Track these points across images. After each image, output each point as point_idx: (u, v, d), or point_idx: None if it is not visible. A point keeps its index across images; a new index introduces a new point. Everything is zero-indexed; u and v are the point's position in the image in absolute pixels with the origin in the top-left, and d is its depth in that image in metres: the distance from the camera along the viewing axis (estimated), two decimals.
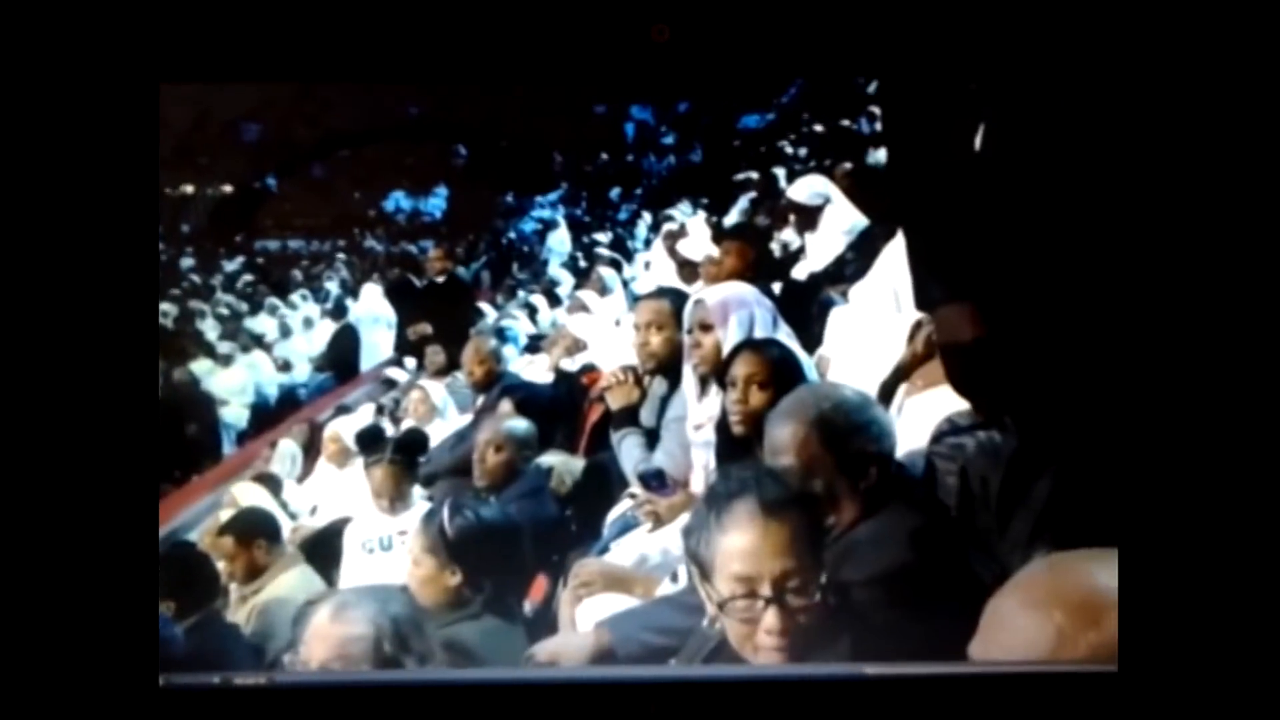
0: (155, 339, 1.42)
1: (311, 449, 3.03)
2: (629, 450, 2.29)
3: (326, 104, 3.83)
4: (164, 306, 3.59)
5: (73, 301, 1.38)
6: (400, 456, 2.48)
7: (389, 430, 2.88)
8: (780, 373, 1.90)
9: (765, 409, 1.82)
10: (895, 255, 2.27)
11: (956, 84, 1.72)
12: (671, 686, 1.51)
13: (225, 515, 2.61)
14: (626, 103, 4.30)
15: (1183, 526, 1.37)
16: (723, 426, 1.97)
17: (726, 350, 2.09)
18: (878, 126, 3.77)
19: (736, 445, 1.90)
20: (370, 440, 2.63)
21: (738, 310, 2.13)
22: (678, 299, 2.31)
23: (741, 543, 1.46)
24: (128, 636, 1.36)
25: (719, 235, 2.98)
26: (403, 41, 1.69)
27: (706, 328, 2.14)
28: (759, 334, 2.11)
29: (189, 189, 3.67)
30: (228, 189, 3.81)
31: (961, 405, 2.11)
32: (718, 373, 2.10)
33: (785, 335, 2.14)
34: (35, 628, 1.34)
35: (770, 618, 1.44)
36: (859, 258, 2.88)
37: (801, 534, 1.47)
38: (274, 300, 3.72)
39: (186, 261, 3.69)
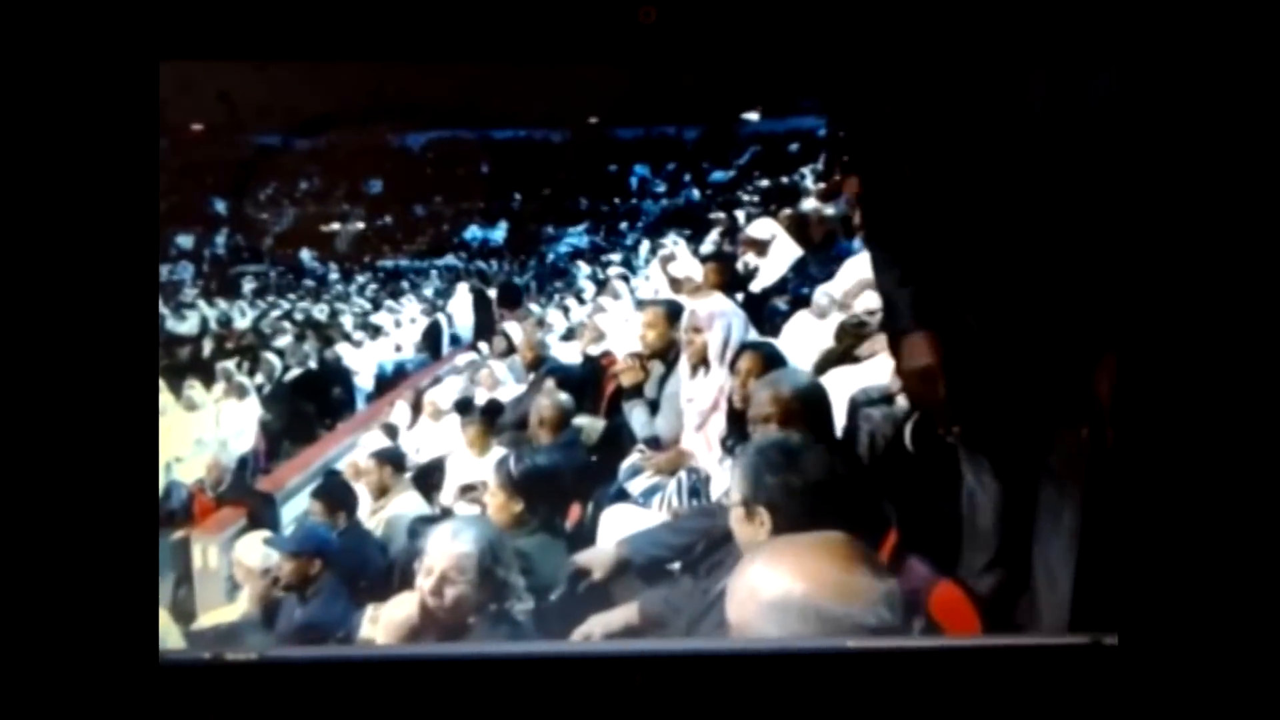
0: (155, 325, 1.09)
1: (417, 408, 2.97)
2: (637, 416, 2.25)
3: (426, 168, 3.76)
4: (318, 307, 3.51)
5: (72, 284, 1.04)
6: (485, 420, 2.41)
7: (477, 399, 2.82)
8: (768, 367, 1.88)
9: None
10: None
11: (919, 108, 1.42)
12: (656, 660, 1.28)
13: (372, 448, 2.57)
14: (631, 161, 4.22)
15: (1179, 507, 1.10)
16: (730, 402, 1.95)
17: (712, 347, 2.06)
18: (809, 184, 3.68)
19: (737, 416, 1.89)
20: (465, 407, 2.57)
21: (719, 318, 2.09)
22: (671, 307, 2.28)
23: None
24: (128, 614, 1.05)
25: (701, 260, 2.91)
26: (390, 18, 1.39)
27: (697, 330, 2.10)
28: (735, 336, 2.07)
29: (335, 226, 3.59)
30: (359, 225, 3.72)
31: (875, 380, 2.07)
32: (706, 362, 2.07)
33: (753, 334, 2.10)
34: (36, 610, 1.03)
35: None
36: (796, 277, 2.83)
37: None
38: (390, 302, 3.64)
39: (333, 275, 3.60)
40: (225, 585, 2.56)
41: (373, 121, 3.52)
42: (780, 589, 1.02)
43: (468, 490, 2.55)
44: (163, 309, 3.50)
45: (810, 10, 1.38)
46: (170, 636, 2.17)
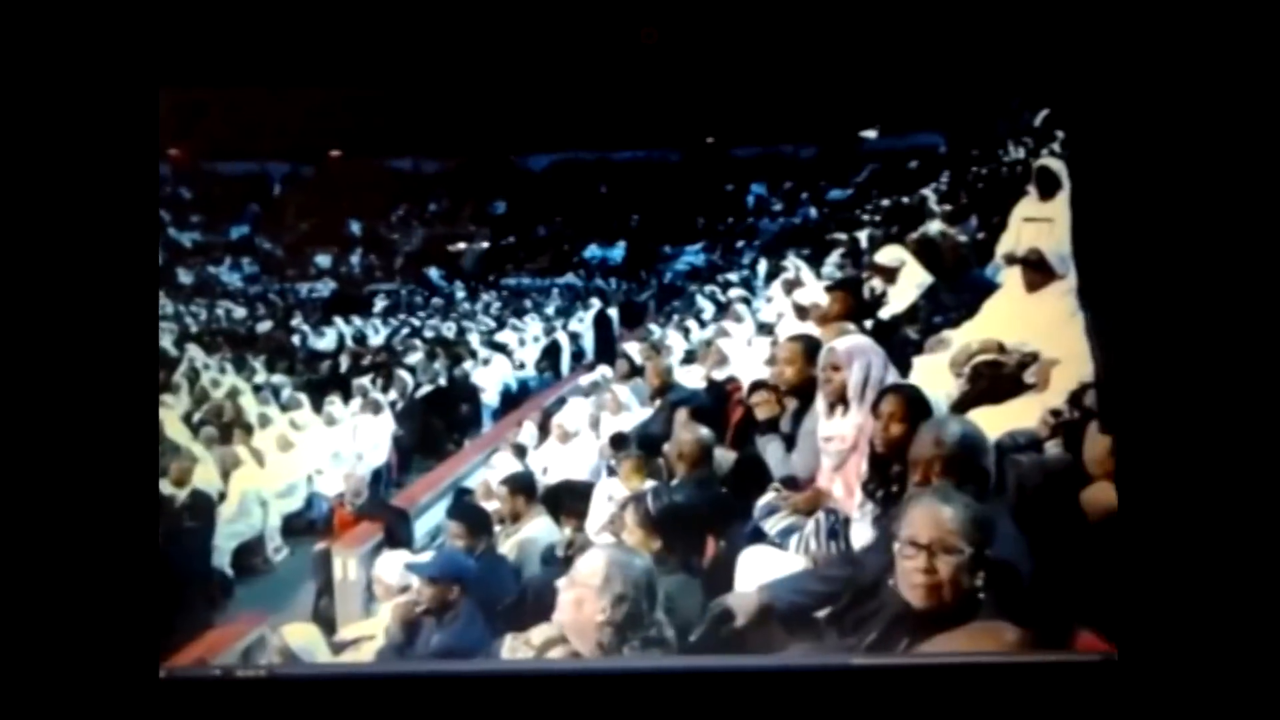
0: (154, 336, 1.02)
1: (544, 429, 2.95)
2: (773, 452, 2.14)
3: (548, 189, 3.78)
4: (446, 324, 3.56)
5: (73, 300, 1.01)
6: (642, 452, 2.34)
7: (602, 423, 2.76)
8: (913, 410, 1.73)
9: (901, 437, 1.68)
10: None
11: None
12: (676, 676, 1.21)
13: (504, 472, 2.55)
14: (747, 180, 4.15)
15: (1181, 519, 1.07)
16: (871, 445, 1.80)
17: (851, 386, 1.93)
18: (933, 205, 3.52)
19: (879, 460, 1.75)
20: (619, 442, 2.51)
21: (859, 358, 1.96)
22: (809, 342, 2.16)
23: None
24: (130, 627, 1.02)
25: (827, 288, 2.80)
26: (398, 47, 1.33)
27: (836, 368, 1.97)
28: (874, 375, 1.94)
29: (461, 245, 3.64)
30: (485, 245, 3.76)
31: (1019, 424, 1.93)
32: (845, 400, 1.95)
33: (893, 377, 1.96)
34: (42, 619, 1.00)
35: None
36: (927, 305, 2.69)
37: None
38: (514, 320, 3.66)
39: (460, 293, 3.65)
40: (363, 598, 2.60)
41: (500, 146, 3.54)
42: None
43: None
44: (303, 325, 3.62)
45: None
46: (318, 648, 2.19)
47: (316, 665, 1.80)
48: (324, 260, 3.70)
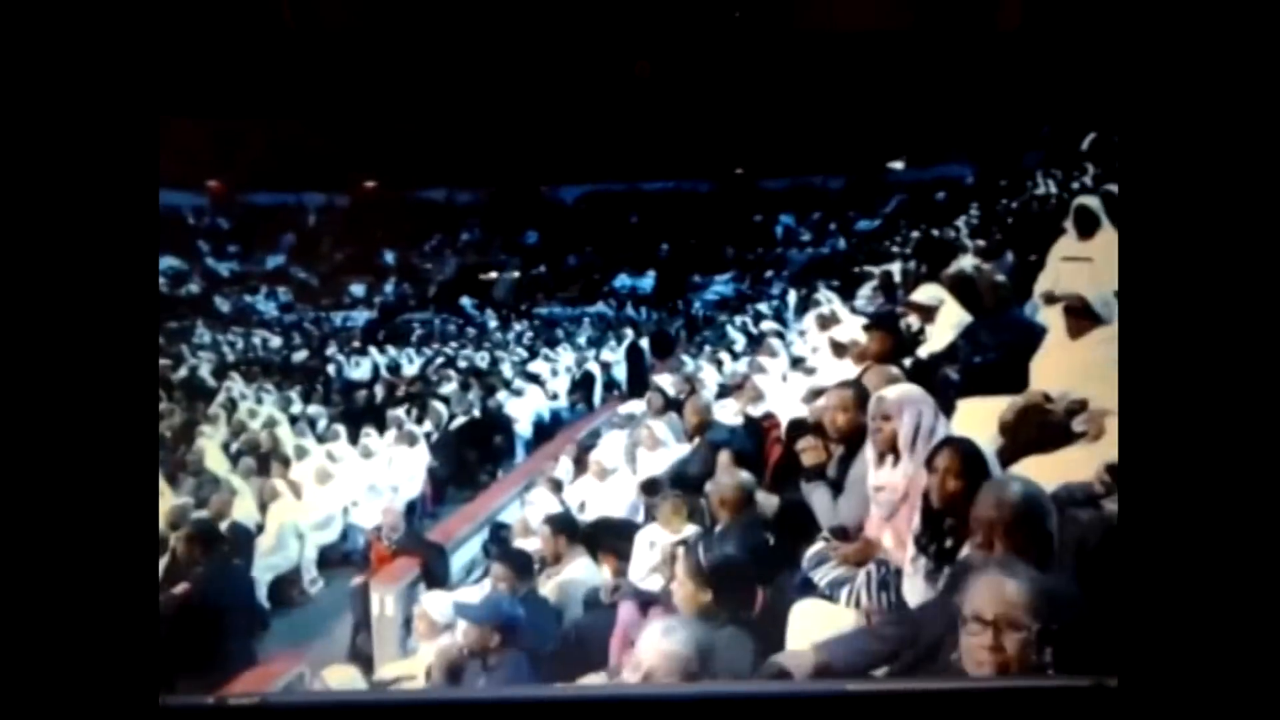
0: (155, 363, 1.00)
1: (580, 463, 2.92)
2: (820, 499, 2.08)
3: (579, 220, 3.77)
4: (479, 354, 3.54)
5: (76, 324, 0.97)
6: (679, 492, 2.29)
7: (639, 459, 2.72)
8: (969, 466, 1.67)
9: (957, 493, 1.63)
10: None
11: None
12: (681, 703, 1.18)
13: (543, 509, 2.51)
14: (776, 211, 4.13)
15: (1183, 545, 0.99)
16: (926, 499, 1.74)
17: (901, 436, 1.88)
18: (965, 240, 3.48)
19: (933, 515, 1.69)
20: (652, 487, 2.46)
21: (909, 408, 1.89)
22: (858, 389, 2.10)
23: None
24: (129, 659, 0.97)
25: (867, 325, 2.74)
26: (400, 79, 1.35)
27: (886, 418, 1.92)
28: (925, 424, 1.88)
29: (493, 275, 3.63)
30: (516, 274, 3.74)
31: (1073, 475, 1.88)
32: (895, 450, 1.90)
33: (943, 427, 1.91)
34: (42, 652, 0.95)
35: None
36: (967, 344, 2.64)
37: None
38: (546, 350, 3.63)
39: (492, 323, 3.64)
40: (401, 635, 2.57)
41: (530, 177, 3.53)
42: None
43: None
44: (339, 355, 3.60)
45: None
46: (359, 688, 2.16)
47: (313, 694, 1.77)
48: (358, 289, 3.69)
